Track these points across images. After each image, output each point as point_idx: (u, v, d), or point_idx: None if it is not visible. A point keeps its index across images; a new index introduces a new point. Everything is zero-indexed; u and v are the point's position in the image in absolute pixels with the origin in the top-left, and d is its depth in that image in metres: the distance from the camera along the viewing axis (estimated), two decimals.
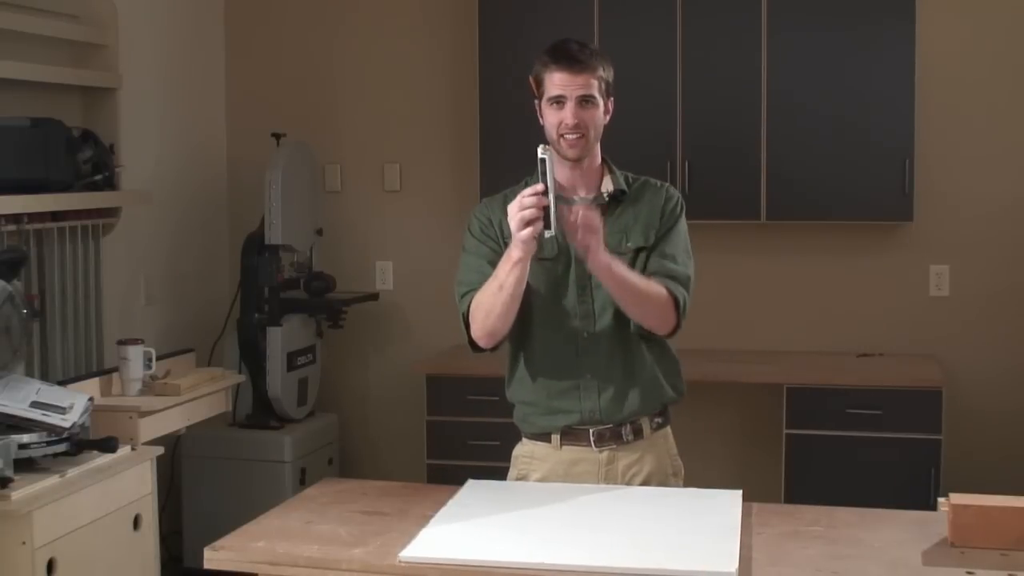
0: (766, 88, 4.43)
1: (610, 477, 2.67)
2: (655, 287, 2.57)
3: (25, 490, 2.79)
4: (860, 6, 4.36)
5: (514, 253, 2.46)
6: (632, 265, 2.63)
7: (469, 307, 2.62)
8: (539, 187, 2.40)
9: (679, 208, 2.72)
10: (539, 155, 2.42)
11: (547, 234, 2.43)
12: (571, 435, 2.68)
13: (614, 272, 2.50)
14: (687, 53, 4.48)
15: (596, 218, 2.45)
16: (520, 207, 2.40)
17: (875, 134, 4.38)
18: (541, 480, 2.70)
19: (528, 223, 2.40)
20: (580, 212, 2.45)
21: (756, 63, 4.42)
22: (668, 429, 2.77)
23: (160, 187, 4.53)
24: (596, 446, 2.67)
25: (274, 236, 4.59)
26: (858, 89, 4.37)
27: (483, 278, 2.59)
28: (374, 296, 4.99)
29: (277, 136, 4.76)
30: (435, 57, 5.02)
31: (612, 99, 2.67)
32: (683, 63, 4.49)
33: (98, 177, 3.92)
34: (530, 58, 2.67)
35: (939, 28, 4.51)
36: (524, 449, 2.76)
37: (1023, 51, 4.51)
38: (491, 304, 2.55)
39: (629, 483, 2.67)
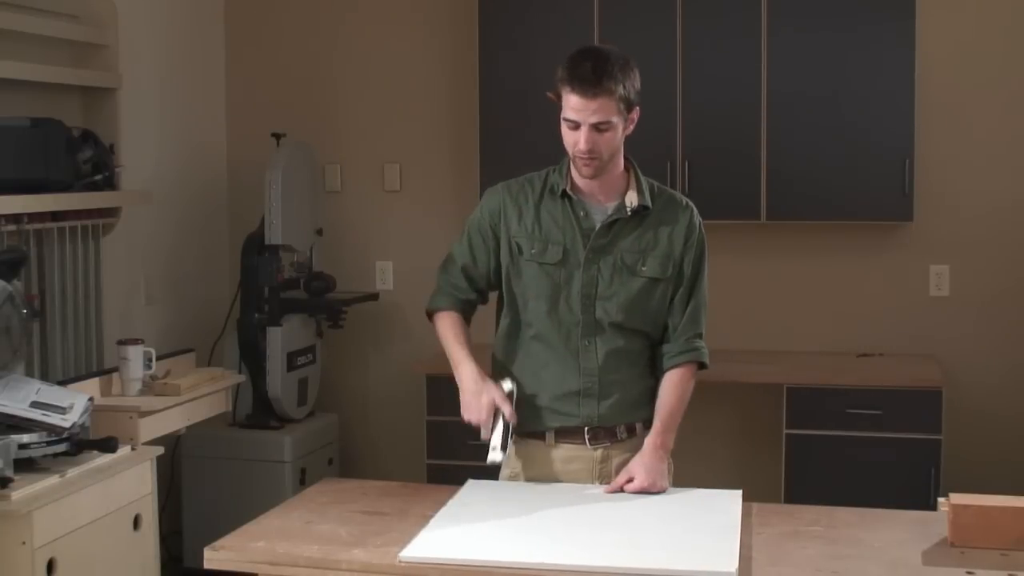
0: (766, 88, 4.43)
1: (603, 475, 2.67)
2: (686, 385, 2.69)
3: (25, 490, 2.79)
4: (860, 6, 4.36)
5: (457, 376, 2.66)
6: (646, 294, 2.64)
7: (435, 311, 2.81)
8: (485, 434, 2.55)
9: (703, 240, 2.70)
10: (506, 389, 2.59)
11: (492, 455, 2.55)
12: (565, 433, 2.68)
13: (673, 437, 2.68)
14: (687, 53, 4.48)
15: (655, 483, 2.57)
16: (477, 423, 2.57)
17: (875, 134, 4.38)
18: (535, 477, 2.70)
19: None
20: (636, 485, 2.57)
21: (756, 63, 4.42)
22: None
23: (160, 187, 4.52)
24: (590, 444, 2.67)
25: (274, 236, 4.59)
26: (858, 89, 4.37)
27: (458, 282, 2.75)
28: (374, 296, 4.99)
29: (277, 136, 4.76)
30: (435, 57, 5.02)
31: (637, 108, 2.61)
32: (683, 63, 4.49)
33: (98, 177, 3.91)
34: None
35: (939, 28, 4.51)
36: (518, 446, 2.75)
37: (1023, 51, 4.51)
38: (441, 340, 2.80)
39: None
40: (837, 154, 4.41)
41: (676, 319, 2.69)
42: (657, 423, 2.65)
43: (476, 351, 2.76)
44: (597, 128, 2.53)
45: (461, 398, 2.62)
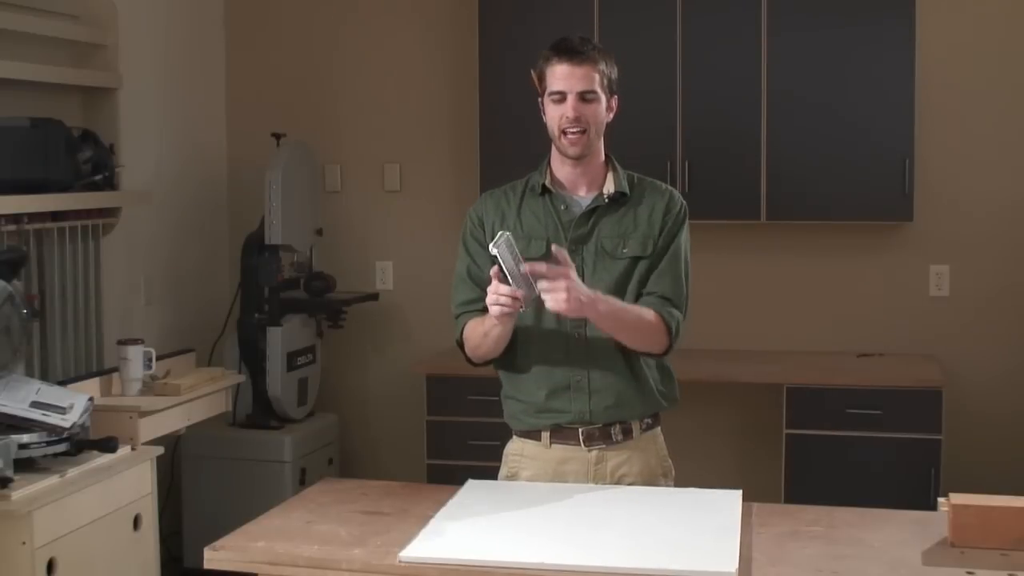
0: (766, 88, 4.43)
1: (599, 476, 2.67)
2: (646, 315, 2.58)
3: (25, 490, 2.79)
4: (860, 5, 4.36)
5: (494, 318, 2.49)
6: (629, 273, 2.63)
7: (462, 332, 2.69)
8: (505, 289, 2.39)
9: (682, 216, 2.70)
10: (490, 251, 2.40)
11: (522, 309, 2.45)
12: (560, 434, 2.68)
13: (601, 311, 2.50)
14: (687, 53, 4.49)
15: (562, 279, 2.40)
16: (494, 301, 2.42)
17: (875, 134, 4.38)
18: (531, 478, 2.70)
19: (503, 310, 2.43)
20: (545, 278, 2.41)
21: (756, 63, 4.43)
22: (658, 430, 2.76)
23: (160, 187, 4.53)
24: (585, 445, 2.66)
25: (274, 236, 4.59)
26: (858, 89, 4.37)
27: (470, 295, 2.67)
28: (374, 296, 4.99)
29: (277, 136, 4.76)
30: (435, 57, 5.02)
31: (616, 97, 2.66)
32: (683, 63, 4.49)
33: (98, 177, 3.91)
34: (530, 59, 2.68)
35: (939, 28, 4.51)
36: (514, 447, 2.76)
37: (1023, 51, 4.51)
38: (479, 342, 2.64)
39: (618, 483, 2.67)
40: (837, 154, 4.41)
41: (649, 285, 2.64)
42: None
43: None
44: (583, 98, 2.57)
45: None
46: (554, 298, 2.39)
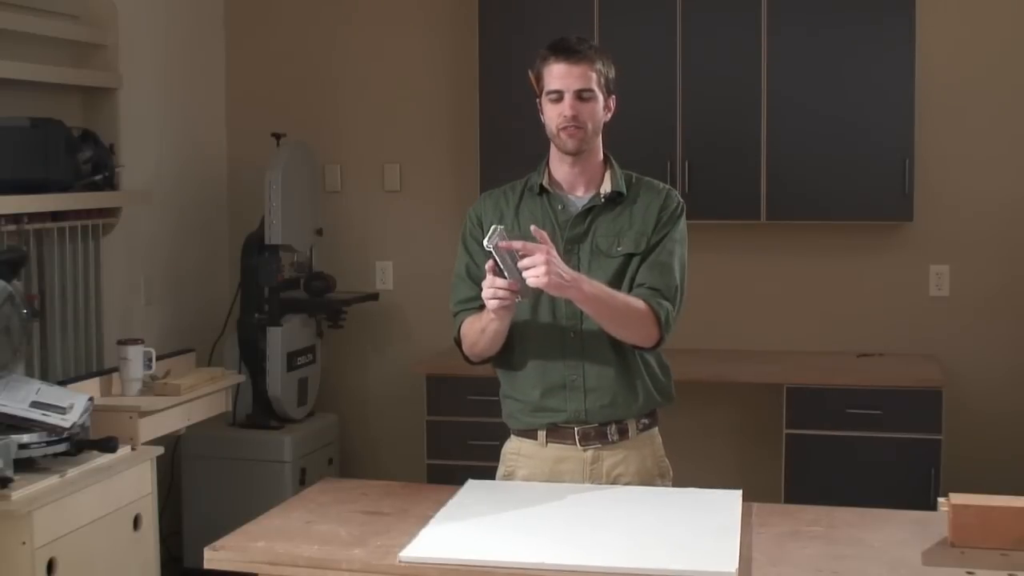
0: (766, 88, 4.43)
1: (595, 476, 2.67)
2: (634, 303, 2.57)
3: (25, 490, 2.79)
4: (860, 5, 4.36)
5: (491, 314, 2.51)
6: (623, 270, 2.63)
7: (460, 330, 2.70)
8: (501, 282, 2.41)
9: (678, 211, 2.70)
10: (485, 246, 2.42)
11: (519, 299, 2.46)
12: (556, 433, 2.68)
13: (586, 291, 2.48)
14: (687, 53, 4.49)
15: (540, 254, 2.39)
16: (491, 295, 2.44)
17: (875, 134, 4.38)
18: (527, 477, 2.71)
19: (501, 303, 2.45)
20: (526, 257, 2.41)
21: (756, 63, 4.43)
22: (655, 430, 2.76)
23: (160, 187, 4.53)
24: (581, 444, 2.67)
25: (274, 236, 4.59)
26: (858, 89, 4.37)
27: (469, 294, 2.67)
28: (374, 296, 4.99)
29: (277, 136, 4.76)
30: (435, 57, 5.02)
31: (614, 97, 2.67)
32: (683, 63, 4.49)
33: (98, 177, 3.92)
34: (530, 59, 2.68)
35: (939, 28, 4.51)
36: (511, 446, 2.77)
37: (1023, 51, 4.51)
38: (476, 339, 2.64)
39: (614, 483, 2.66)
40: (837, 154, 4.41)
41: (639, 277, 2.62)
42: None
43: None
44: (580, 96, 2.59)
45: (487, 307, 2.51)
46: (533, 273, 2.39)
